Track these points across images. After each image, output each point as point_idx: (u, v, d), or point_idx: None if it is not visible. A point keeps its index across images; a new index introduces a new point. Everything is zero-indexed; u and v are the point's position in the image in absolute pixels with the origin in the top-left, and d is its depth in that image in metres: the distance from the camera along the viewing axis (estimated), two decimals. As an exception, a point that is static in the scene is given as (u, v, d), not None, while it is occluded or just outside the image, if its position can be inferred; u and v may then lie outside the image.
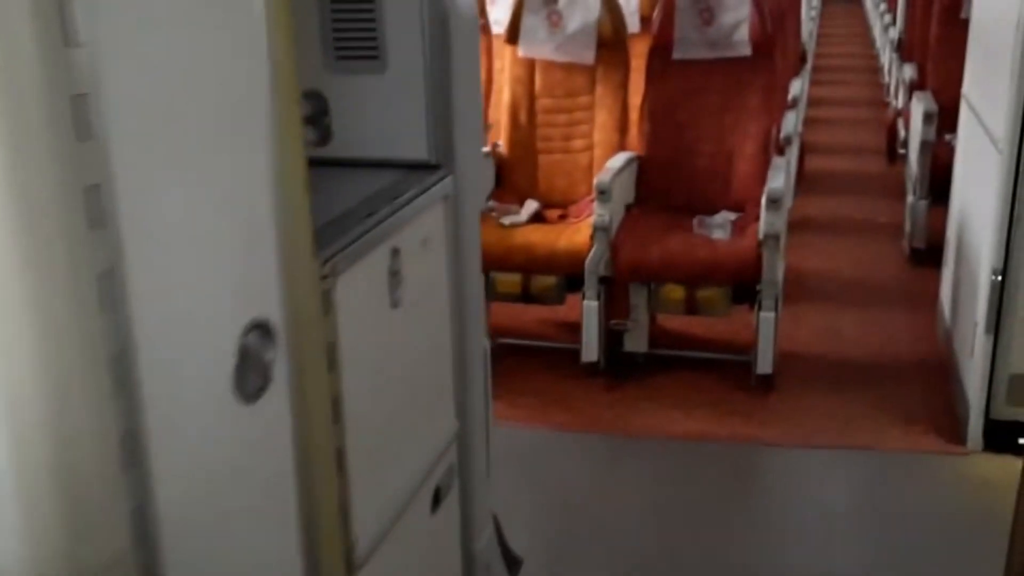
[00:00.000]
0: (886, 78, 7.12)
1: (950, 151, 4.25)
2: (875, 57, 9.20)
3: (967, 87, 3.43)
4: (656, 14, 3.61)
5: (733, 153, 3.54)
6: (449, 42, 1.43)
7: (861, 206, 5.11)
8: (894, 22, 7.01)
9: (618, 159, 3.49)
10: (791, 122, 4.13)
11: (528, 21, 3.65)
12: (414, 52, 1.42)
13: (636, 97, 3.71)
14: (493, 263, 3.37)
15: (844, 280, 4.18)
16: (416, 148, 1.46)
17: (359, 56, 1.44)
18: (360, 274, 1.27)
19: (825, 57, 9.37)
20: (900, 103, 5.41)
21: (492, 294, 3.41)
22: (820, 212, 5.01)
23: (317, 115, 1.42)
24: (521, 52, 3.70)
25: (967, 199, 3.30)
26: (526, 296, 3.38)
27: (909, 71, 5.12)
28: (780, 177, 3.27)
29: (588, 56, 3.63)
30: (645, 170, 3.61)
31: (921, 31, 5.19)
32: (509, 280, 3.38)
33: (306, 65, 1.34)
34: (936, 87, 4.52)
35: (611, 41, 3.61)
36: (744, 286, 3.20)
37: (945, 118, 4.16)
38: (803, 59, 5.51)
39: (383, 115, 1.43)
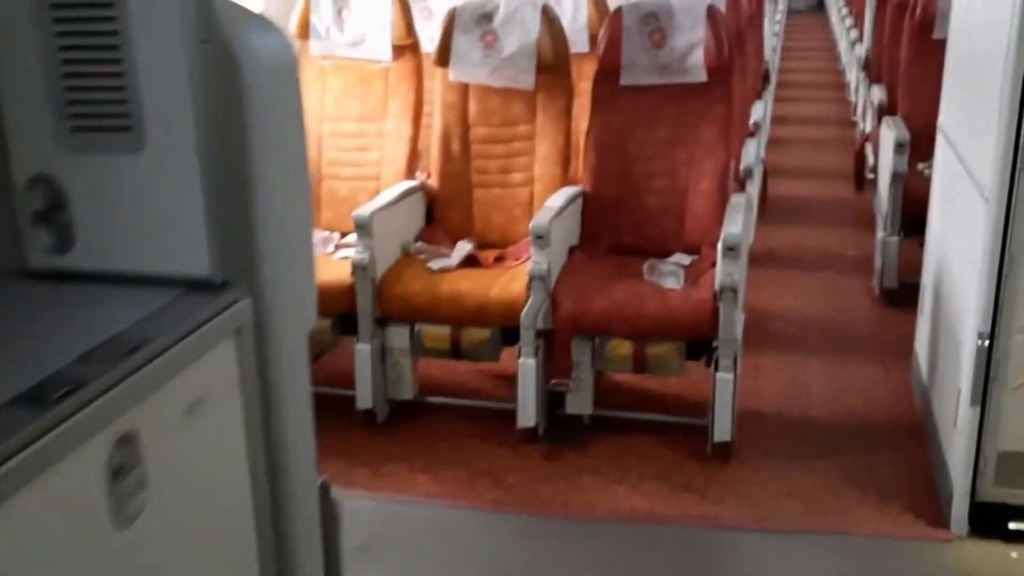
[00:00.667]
0: (853, 96, 6.82)
1: (924, 182, 3.92)
2: (841, 73, 8.92)
3: (944, 118, 3.10)
4: (601, 35, 3.24)
5: (687, 190, 3.18)
6: (242, 103, 1.01)
7: (828, 237, 4.78)
8: (861, 39, 6.71)
9: (560, 196, 3.12)
10: (752, 152, 3.79)
11: (460, 42, 3.27)
12: (183, 119, 0.98)
13: (585, 124, 3.34)
14: (419, 314, 2.99)
15: (810, 323, 3.84)
16: (191, 258, 1.03)
17: (104, 127, 1.00)
18: (39, 497, 0.78)
19: (789, 72, 9.09)
20: (868, 126, 5.10)
21: (419, 349, 3.03)
22: (784, 244, 4.68)
23: (50, 210, 0.99)
24: (452, 76, 3.32)
25: (946, 242, 2.96)
26: (456, 352, 3.00)
27: (878, 93, 4.80)
28: (738, 220, 2.91)
29: (527, 81, 3.26)
30: (590, 208, 3.24)
31: (890, 51, 4.88)
32: (437, 334, 2.99)
33: (30, 139, 0.92)
34: (907, 112, 4.20)
35: (553, 64, 3.24)
36: (699, 342, 2.83)
37: (918, 146, 3.84)
38: (766, 78, 5.19)
39: (142, 210, 1.01)
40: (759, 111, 4.29)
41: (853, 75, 6.82)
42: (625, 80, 3.22)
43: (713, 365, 2.80)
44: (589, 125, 3.28)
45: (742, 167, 3.63)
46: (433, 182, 3.38)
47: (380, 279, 3.02)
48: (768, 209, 4.80)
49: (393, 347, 3.04)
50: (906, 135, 3.82)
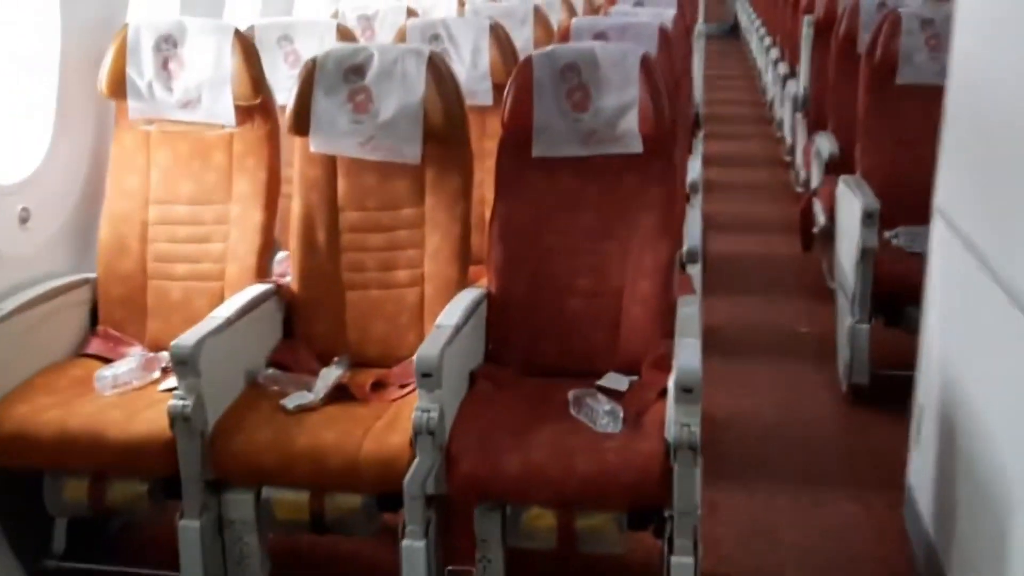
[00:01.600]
0: (787, 136, 6.21)
1: (896, 257, 3.30)
2: (766, 105, 8.37)
3: (943, 197, 2.44)
4: (507, 92, 2.51)
5: (622, 292, 2.46)
6: None
7: (776, 310, 4.14)
8: (792, 73, 6.14)
9: (456, 306, 2.36)
10: (695, 226, 3.08)
11: (322, 105, 2.49)
12: None
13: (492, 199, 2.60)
14: (268, 476, 2.20)
15: (769, 435, 3.15)
16: None
17: None
18: None
19: (710, 105, 8.53)
20: (813, 179, 4.48)
21: (269, 522, 2.23)
22: (727, 319, 4.01)
23: None
24: (314, 147, 2.54)
25: (956, 355, 2.30)
26: (319, 524, 2.21)
27: (827, 145, 4.18)
28: (693, 347, 2.16)
29: (411, 153, 2.50)
30: (497, 317, 2.49)
31: (838, 94, 4.30)
32: (292, 501, 2.20)
33: None
34: (868, 170, 3.58)
35: (444, 130, 2.49)
36: (644, 511, 2.10)
37: (883, 211, 3.22)
38: (697, 124, 4.53)
39: None
40: (695, 169, 3.61)
41: (786, 113, 6.22)
42: (538, 151, 2.49)
43: (666, 543, 2.07)
44: (493, 209, 2.54)
45: (685, 248, 2.93)
46: (293, 283, 2.58)
47: (213, 429, 2.21)
48: (705, 274, 4.12)
49: (233, 520, 2.23)
50: (875, 204, 3.18)
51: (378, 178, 2.54)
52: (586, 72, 2.44)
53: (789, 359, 3.68)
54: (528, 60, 2.47)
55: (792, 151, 5.80)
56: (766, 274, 4.54)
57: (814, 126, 4.92)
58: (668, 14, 3.77)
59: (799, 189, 5.42)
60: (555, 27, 4.12)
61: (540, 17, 3.91)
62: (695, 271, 3.04)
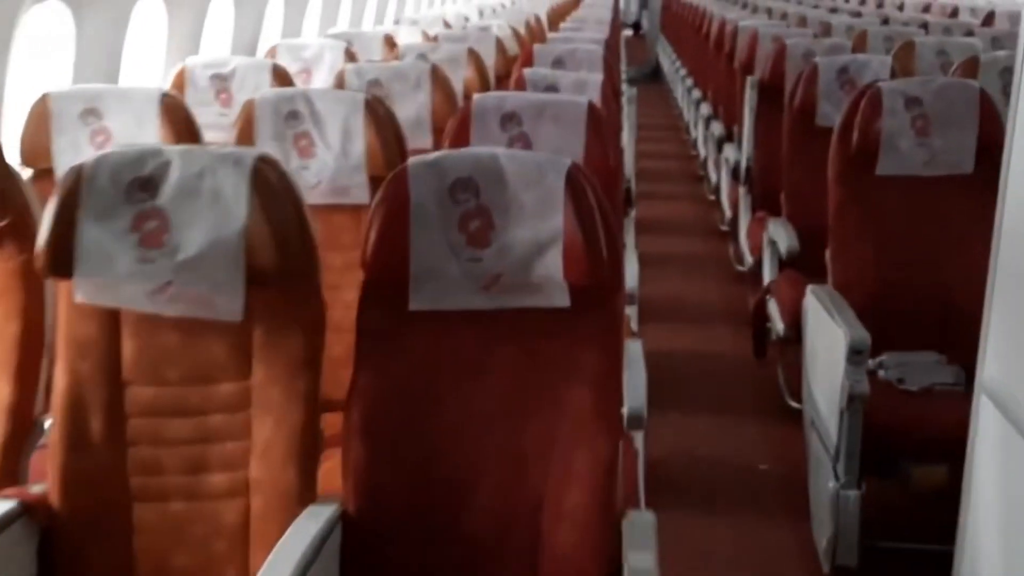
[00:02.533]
0: (724, 205, 5.47)
1: (890, 400, 2.62)
2: (693, 158, 7.75)
3: (993, 373, 1.74)
4: (371, 216, 1.72)
5: (540, 505, 1.68)
6: None
7: (729, 437, 3.42)
8: (730, 136, 5.48)
9: (301, 531, 1.55)
10: (638, 373, 2.32)
11: (92, 234, 1.67)
12: None
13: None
14: None
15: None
16: None
17: None
18: None
19: (637, 158, 7.89)
20: (766, 273, 3.79)
21: None
22: (669, 453, 3.26)
23: None
24: (81, 296, 1.71)
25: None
26: None
27: (783, 236, 3.50)
28: None
29: (229, 305, 1.69)
30: (357, 548, 1.68)
31: (793, 173, 3.70)
32: None
33: None
34: (844, 279, 2.89)
35: (280, 270, 1.69)
36: None
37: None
38: (628, 201, 3.81)
39: None
40: (631, 276, 2.84)
41: (723, 181, 5.46)
42: (417, 303, 1.71)
43: None
44: (352, 382, 1.74)
45: (627, 409, 2.16)
46: (52, 494, 1.73)
47: None
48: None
49: None
50: (865, 338, 2.46)
51: (182, 339, 1.72)
52: (487, 191, 1.67)
53: (749, 513, 2.94)
54: (402, 173, 1.68)
55: (733, 224, 5.07)
56: (712, 387, 3.81)
57: (760, 203, 4.26)
58: (594, 80, 3.05)
59: (740, 268, 4.75)
60: (460, 95, 3.42)
61: (439, 81, 3.16)
62: (640, 445, 2.31)
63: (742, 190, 4.62)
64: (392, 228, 1.68)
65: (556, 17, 8.20)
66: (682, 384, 3.79)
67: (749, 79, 4.55)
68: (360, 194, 2.36)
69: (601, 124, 2.63)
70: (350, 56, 3.83)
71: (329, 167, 2.40)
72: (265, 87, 3.10)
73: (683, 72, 9.34)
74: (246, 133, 2.40)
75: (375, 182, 2.29)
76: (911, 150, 2.85)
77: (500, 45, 4.34)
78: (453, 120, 2.53)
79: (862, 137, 2.87)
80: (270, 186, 1.68)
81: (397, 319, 1.72)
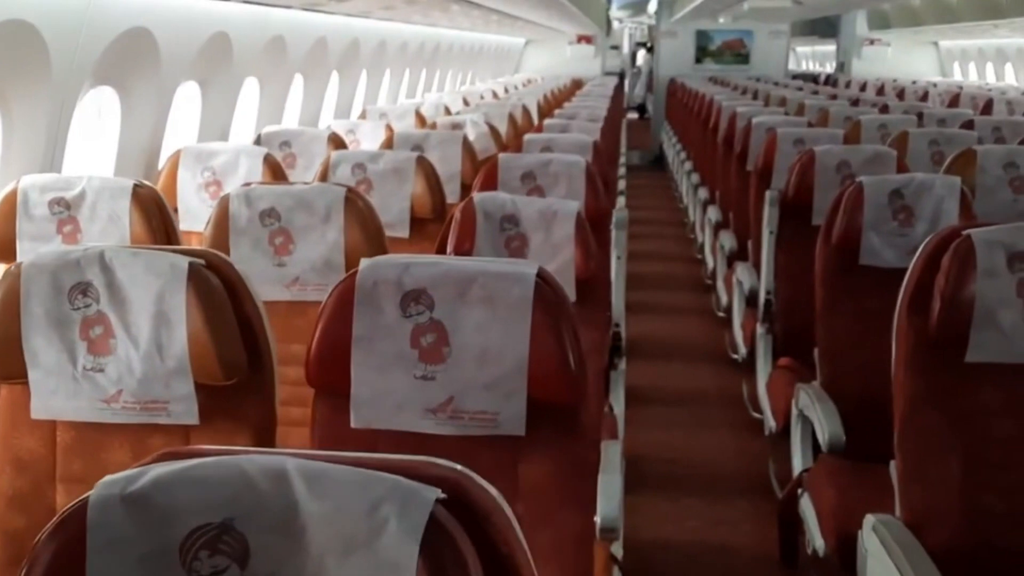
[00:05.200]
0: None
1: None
2: (700, 261, 7.64)
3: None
4: (316, 330, 1.84)
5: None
6: None
7: (724, 533, 3.47)
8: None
9: None
10: (612, 498, 2.40)
11: (38, 342, 1.79)
12: None
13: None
14: None
15: None
16: None
17: None
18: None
19: (634, 261, 7.82)
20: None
21: None
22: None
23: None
24: (34, 413, 1.83)
25: None
26: None
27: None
28: None
29: (182, 408, 1.81)
30: None
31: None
32: None
33: None
34: (834, 380, 3.02)
35: (227, 371, 1.82)
36: None
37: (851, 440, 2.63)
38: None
39: None
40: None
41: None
42: (360, 420, 1.82)
43: None
44: None
45: (599, 519, 2.23)
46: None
47: None
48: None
49: None
50: (842, 440, 2.58)
51: (133, 451, 1.84)
52: (440, 308, 1.79)
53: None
54: (350, 279, 1.80)
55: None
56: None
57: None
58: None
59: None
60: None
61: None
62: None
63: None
64: (334, 336, 1.77)
65: (550, 106, 8.56)
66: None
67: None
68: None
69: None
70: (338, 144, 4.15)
71: (305, 263, 2.62)
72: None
73: (688, 166, 9.54)
74: (220, 229, 2.60)
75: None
76: (893, 241, 3.08)
77: (468, 148, 4.25)
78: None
79: (844, 231, 3.10)
80: (209, 288, 1.82)
81: (341, 431, 1.81)
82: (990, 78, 13.73)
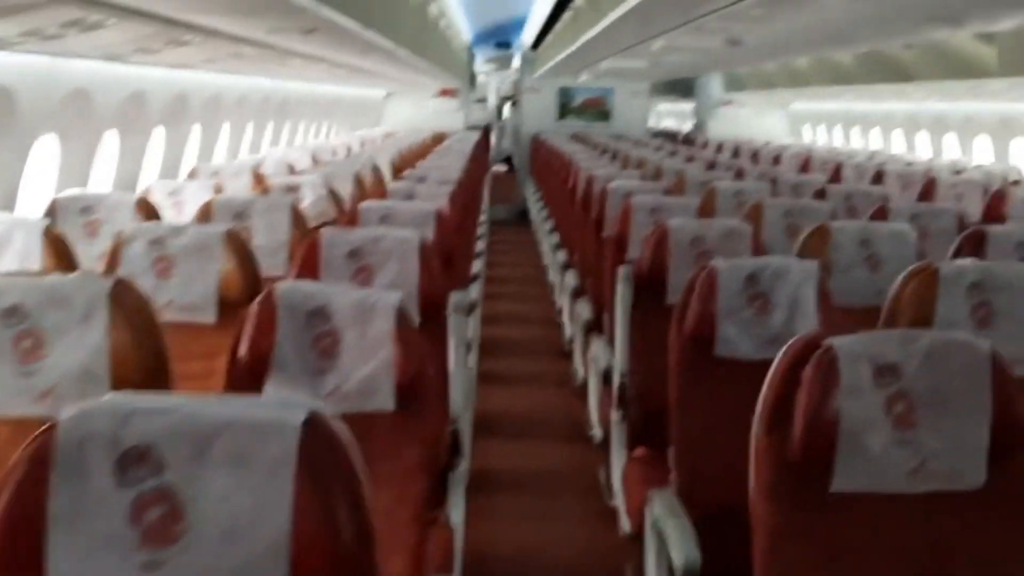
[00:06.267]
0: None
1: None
2: (561, 325, 7.20)
3: None
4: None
5: None
6: None
7: None
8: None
9: None
10: None
11: None
12: None
13: None
14: None
15: None
16: None
17: None
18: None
19: (493, 324, 7.50)
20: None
21: None
22: None
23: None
24: None
25: None
26: None
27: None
28: None
29: None
30: None
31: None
32: None
33: None
34: (689, 485, 2.67)
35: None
36: None
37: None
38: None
39: None
40: None
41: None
42: None
43: None
44: None
45: None
46: None
47: None
48: None
49: None
50: (696, 560, 2.23)
51: None
52: (173, 471, 1.35)
53: None
54: (46, 435, 1.33)
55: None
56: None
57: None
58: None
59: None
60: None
61: (234, 246, 2.91)
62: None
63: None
64: (25, 510, 1.30)
65: (405, 163, 8.15)
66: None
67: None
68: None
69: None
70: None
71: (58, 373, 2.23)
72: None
73: (548, 225, 9.25)
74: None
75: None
76: (750, 330, 2.78)
77: (298, 217, 3.83)
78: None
79: (698, 319, 2.79)
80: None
81: None
82: (837, 140, 14.06)
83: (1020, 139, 9.02)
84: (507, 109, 23.14)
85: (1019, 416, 1.94)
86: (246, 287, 3.02)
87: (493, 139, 21.17)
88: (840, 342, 1.97)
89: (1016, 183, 6.94)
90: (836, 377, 1.95)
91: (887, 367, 1.96)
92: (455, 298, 3.06)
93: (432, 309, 3.11)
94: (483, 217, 9.25)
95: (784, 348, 2.07)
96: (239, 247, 3.11)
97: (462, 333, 3.11)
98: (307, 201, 4.54)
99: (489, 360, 6.47)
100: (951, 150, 10.45)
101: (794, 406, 1.99)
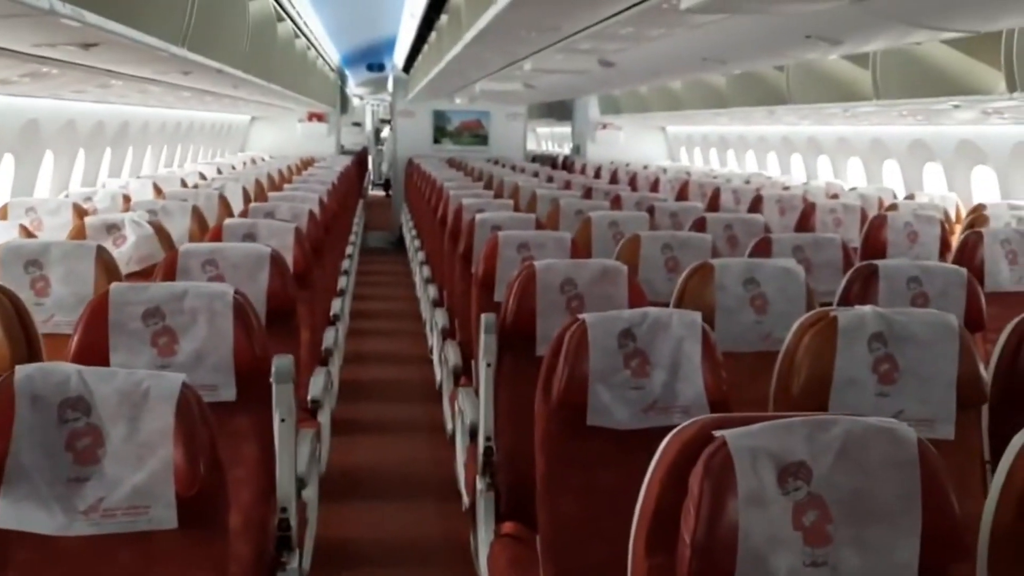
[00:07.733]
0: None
1: None
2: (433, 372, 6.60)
3: None
4: None
5: None
6: None
7: None
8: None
9: None
10: None
11: None
12: None
13: None
14: None
15: None
16: None
17: None
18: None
19: (360, 364, 7.02)
20: None
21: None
22: None
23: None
24: None
25: None
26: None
27: None
28: None
29: None
30: None
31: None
32: None
33: None
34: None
35: None
36: None
37: None
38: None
39: None
40: None
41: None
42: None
43: None
44: None
45: None
46: None
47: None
48: None
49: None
50: None
51: None
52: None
53: None
54: None
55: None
56: None
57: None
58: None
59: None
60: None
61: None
62: None
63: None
64: None
65: (263, 193, 7.53)
66: None
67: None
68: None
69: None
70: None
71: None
72: None
73: (421, 256, 8.73)
74: None
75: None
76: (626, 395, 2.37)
77: (104, 265, 3.29)
78: None
79: (568, 383, 2.35)
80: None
81: None
82: (713, 161, 13.98)
83: (890, 161, 8.98)
84: (385, 132, 22.53)
85: (953, 526, 1.54)
86: (13, 356, 2.45)
87: (371, 164, 20.53)
88: (735, 437, 1.54)
89: (893, 207, 6.81)
90: (732, 482, 1.52)
91: (793, 466, 1.54)
92: (277, 366, 2.53)
93: (253, 377, 2.60)
94: (351, 249, 8.67)
95: (664, 442, 1.63)
96: (19, 307, 2.54)
97: (287, 405, 2.57)
98: (129, 242, 3.94)
99: (354, 405, 5.92)
100: (824, 172, 10.40)
101: (679, 519, 1.55)
